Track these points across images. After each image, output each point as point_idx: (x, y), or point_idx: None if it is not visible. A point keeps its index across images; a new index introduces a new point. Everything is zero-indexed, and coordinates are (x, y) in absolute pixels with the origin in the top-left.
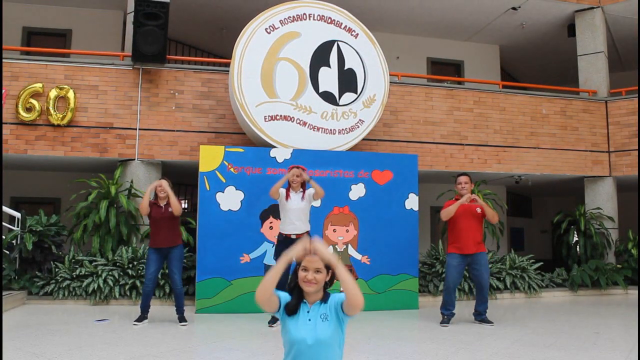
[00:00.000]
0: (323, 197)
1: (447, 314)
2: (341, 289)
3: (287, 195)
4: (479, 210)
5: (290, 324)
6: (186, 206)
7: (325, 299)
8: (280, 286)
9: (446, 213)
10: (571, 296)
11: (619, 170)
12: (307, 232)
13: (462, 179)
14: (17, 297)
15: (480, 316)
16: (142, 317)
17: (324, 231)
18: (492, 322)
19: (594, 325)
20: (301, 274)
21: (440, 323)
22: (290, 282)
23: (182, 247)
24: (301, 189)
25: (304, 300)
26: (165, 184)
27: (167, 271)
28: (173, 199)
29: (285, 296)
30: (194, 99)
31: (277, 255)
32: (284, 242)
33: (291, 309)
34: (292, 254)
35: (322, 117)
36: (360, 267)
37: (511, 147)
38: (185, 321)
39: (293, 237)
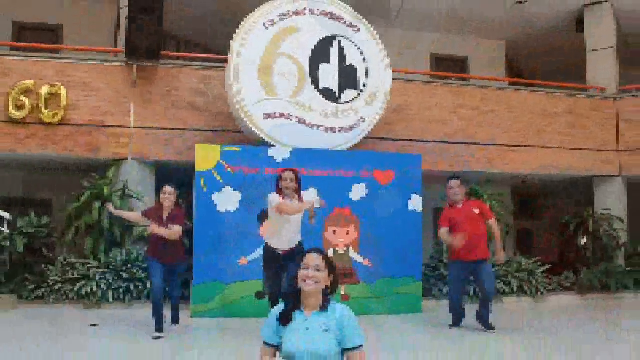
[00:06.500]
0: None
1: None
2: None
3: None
4: (476, 210)
5: (285, 336)
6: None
7: (325, 306)
8: (274, 296)
9: (443, 239)
10: (579, 300)
11: (629, 169)
12: (300, 243)
13: (454, 183)
14: (8, 300)
15: (481, 318)
16: (160, 328)
17: (323, 233)
18: (494, 328)
19: (602, 329)
20: (302, 272)
21: (450, 326)
22: (288, 288)
23: (186, 261)
24: (295, 195)
25: (301, 309)
26: (169, 191)
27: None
28: (163, 231)
29: (274, 318)
30: (189, 97)
31: (266, 270)
32: (274, 259)
33: (286, 317)
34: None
35: (322, 115)
36: (362, 270)
37: (518, 146)
38: (178, 323)
39: (279, 252)
